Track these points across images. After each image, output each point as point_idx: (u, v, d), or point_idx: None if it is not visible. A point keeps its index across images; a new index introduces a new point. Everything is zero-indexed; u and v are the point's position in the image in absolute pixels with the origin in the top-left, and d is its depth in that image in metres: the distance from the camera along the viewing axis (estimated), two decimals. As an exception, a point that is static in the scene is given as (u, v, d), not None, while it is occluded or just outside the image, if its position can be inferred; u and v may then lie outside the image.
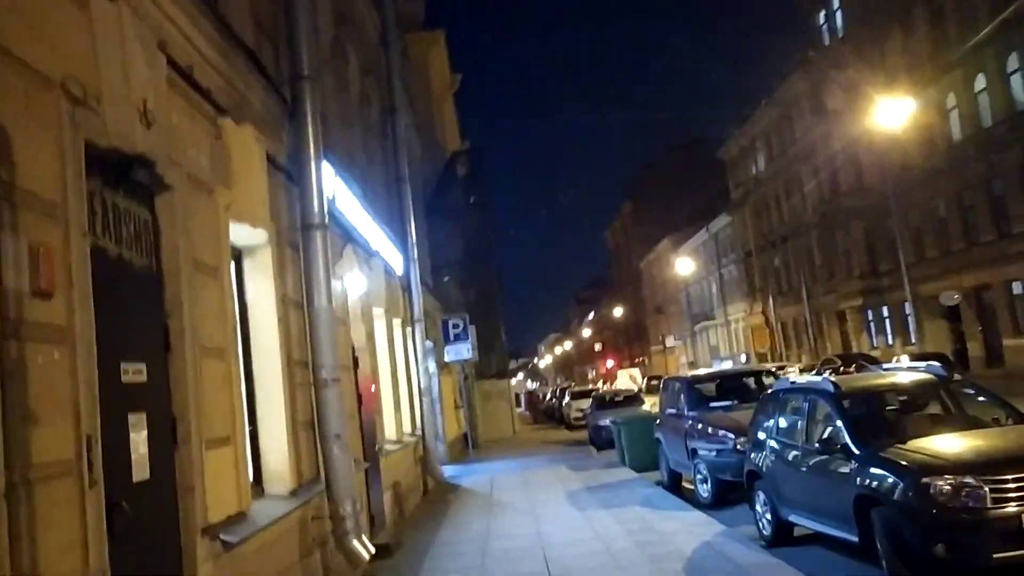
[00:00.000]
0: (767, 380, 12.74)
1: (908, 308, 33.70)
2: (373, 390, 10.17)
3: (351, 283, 8.73)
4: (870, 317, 37.80)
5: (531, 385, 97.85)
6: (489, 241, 32.93)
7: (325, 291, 6.58)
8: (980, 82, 28.05)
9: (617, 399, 25.27)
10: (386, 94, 14.29)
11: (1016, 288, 27.84)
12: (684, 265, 60.93)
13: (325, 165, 7.01)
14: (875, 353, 32.96)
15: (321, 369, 6.53)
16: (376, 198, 11.69)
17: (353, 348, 8.92)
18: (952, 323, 31.58)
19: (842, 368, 23.83)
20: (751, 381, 13.20)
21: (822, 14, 38.63)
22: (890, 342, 35.77)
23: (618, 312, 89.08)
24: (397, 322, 13.53)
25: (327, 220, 6.76)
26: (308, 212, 6.55)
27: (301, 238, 6.56)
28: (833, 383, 7.57)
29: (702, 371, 24.09)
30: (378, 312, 11.39)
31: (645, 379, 40.40)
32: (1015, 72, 26.17)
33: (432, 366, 14.99)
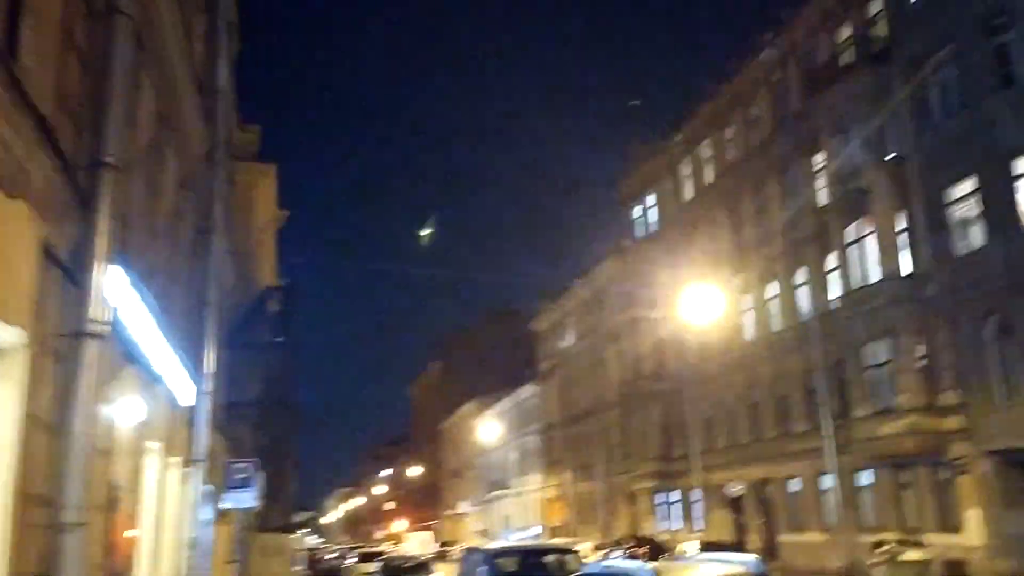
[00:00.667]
0: (568, 558, 12.19)
1: (696, 495, 34.78)
2: (130, 537, 8.71)
3: (124, 409, 7.55)
4: (660, 500, 38.61)
5: (314, 541, 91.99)
6: (291, 384, 31.31)
7: (87, 414, 5.49)
8: (772, 289, 30.48)
9: (407, 566, 23.89)
10: (204, 214, 13.38)
11: (793, 485, 29.32)
12: (487, 431, 60.70)
13: (116, 269, 6.07)
14: (663, 537, 33.45)
15: (65, 509, 5.34)
16: (174, 319, 10.54)
17: (113, 486, 7.60)
18: (735, 513, 32.67)
19: (637, 550, 23.76)
20: (553, 559, 12.60)
21: (638, 208, 41.37)
22: (678, 526, 36.46)
23: (415, 472, 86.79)
24: (175, 460, 12.02)
25: (107, 331, 5.76)
26: (84, 318, 5.54)
27: (70, 347, 5.51)
28: (653, 571, 7.14)
29: (502, 543, 23.28)
30: (153, 446, 10.01)
31: (437, 544, 38.74)
32: (801, 285, 28.66)
33: (208, 514, 13.35)
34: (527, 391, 59.17)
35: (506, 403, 62.55)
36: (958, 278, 21.22)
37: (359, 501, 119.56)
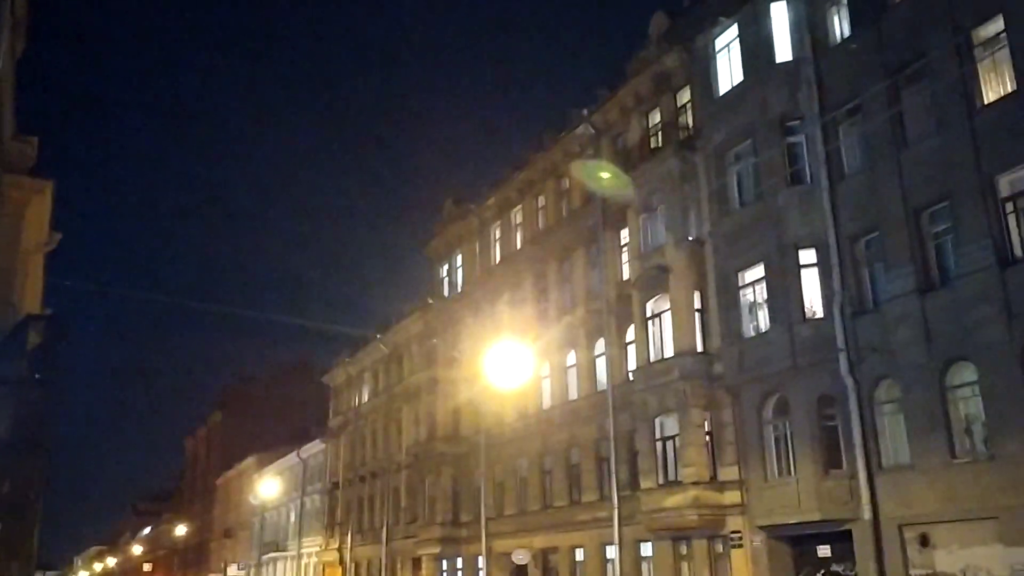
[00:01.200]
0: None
1: (481, 562, 34.20)
2: None
3: None
4: (445, 567, 37.66)
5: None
6: (47, 426, 27.85)
7: None
8: (572, 358, 30.92)
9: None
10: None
11: (579, 554, 29.42)
12: (266, 487, 57.39)
13: None
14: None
15: None
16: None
17: None
18: (520, 582, 32.32)
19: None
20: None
21: (445, 267, 41.18)
22: (460, 596, 35.60)
23: (181, 530, 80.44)
24: None
25: None
26: None
27: None
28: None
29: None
30: None
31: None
32: (600, 355, 29.27)
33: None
34: (313, 447, 56.70)
35: (290, 459, 59.57)
36: (744, 358, 22.33)
37: (112, 561, 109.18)
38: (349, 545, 48.37)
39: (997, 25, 17.50)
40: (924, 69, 18.89)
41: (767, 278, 21.94)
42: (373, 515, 45.54)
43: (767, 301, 21.98)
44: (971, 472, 17.13)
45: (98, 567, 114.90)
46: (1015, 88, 17.09)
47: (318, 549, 52.97)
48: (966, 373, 17.60)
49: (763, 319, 22.25)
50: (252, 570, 64.66)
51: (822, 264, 20.82)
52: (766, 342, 21.65)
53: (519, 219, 36.09)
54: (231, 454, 73.17)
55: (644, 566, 26.26)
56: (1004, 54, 17.43)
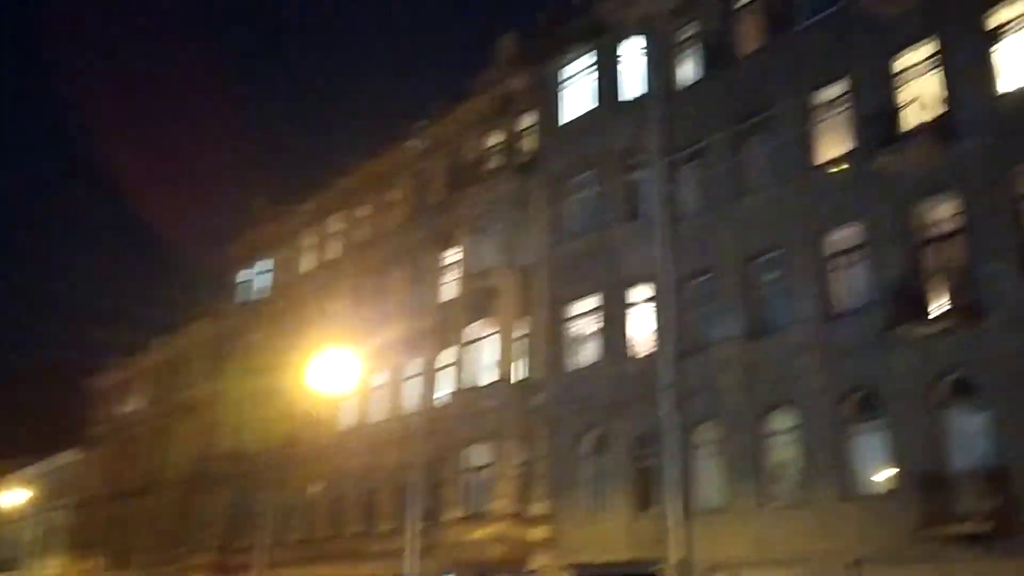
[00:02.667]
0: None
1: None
2: None
3: None
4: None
5: None
6: None
7: None
8: (380, 378, 29.33)
9: None
10: None
11: (371, 586, 27.64)
12: (10, 497, 50.67)
13: None
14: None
15: None
16: None
17: None
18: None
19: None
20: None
21: (246, 272, 38.34)
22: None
23: None
24: None
25: None
26: None
27: None
28: None
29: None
30: None
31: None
32: (412, 377, 27.92)
33: None
34: (65, 458, 50.71)
35: (33, 470, 52.91)
36: (567, 390, 21.90)
37: None
38: (97, 568, 43.31)
39: (838, 89, 18.31)
40: (767, 122, 19.50)
41: (599, 311, 21.68)
42: (133, 536, 41.00)
43: (597, 334, 21.70)
44: (783, 517, 17.41)
45: None
46: (848, 151, 17.87)
47: (59, 571, 47.16)
48: (785, 419, 17.98)
49: (590, 352, 21.95)
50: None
51: (653, 301, 20.82)
52: (592, 375, 21.32)
53: (338, 227, 34.22)
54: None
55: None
56: (842, 117, 18.25)
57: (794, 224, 18.33)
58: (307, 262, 35.58)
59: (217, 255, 40.52)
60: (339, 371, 16.36)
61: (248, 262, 38.56)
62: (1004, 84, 15.66)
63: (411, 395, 27.79)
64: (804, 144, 18.54)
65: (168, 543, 37.43)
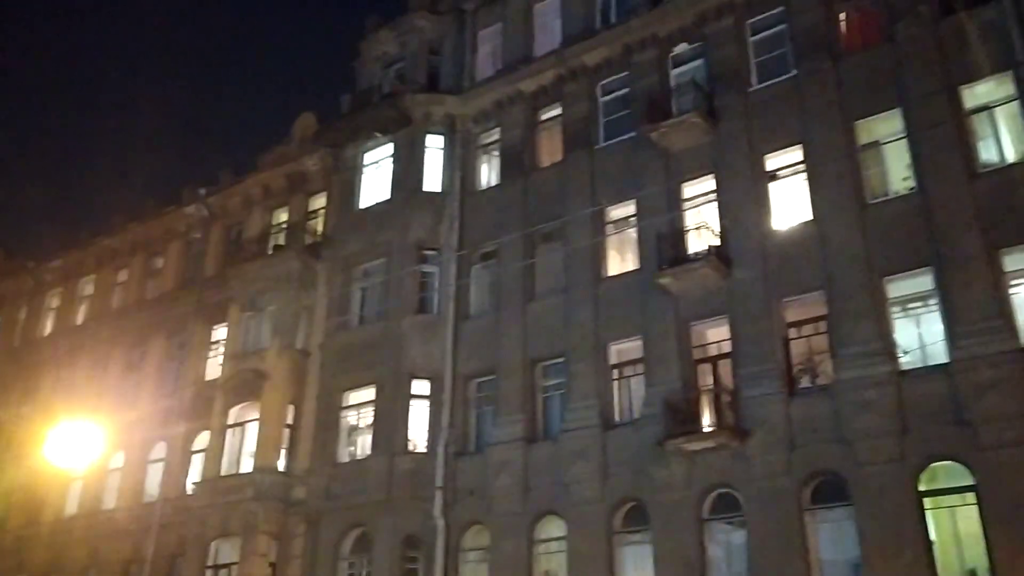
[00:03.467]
0: None
1: None
2: None
3: None
4: None
5: None
6: None
7: None
8: (118, 460, 26.23)
9: None
10: None
11: None
12: None
13: None
14: None
15: None
16: None
17: None
18: None
19: None
20: None
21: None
22: None
23: None
24: None
25: None
26: None
27: None
28: None
29: None
30: None
31: None
32: (158, 461, 25.27)
33: None
34: None
35: None
36: (333, 484, 20.57)
37: None
38: None
39: (630, 208, 19.27)
40: (560, 232, 20.07)
41: (375, 403, 20.80)
42: None
43: (371, 426, 20.72)
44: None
45: None
46: (636, 267, 18.70)
47: None
48: (555, 527, 17.84)
49: (362, 445, 20.90)
50: None
51: (434, 397, 20.32)
52: (362, 470, 20.20)
53: (89, 291, 31.04)
54: None
55: None
56: (632, 234, 19.15)
57: (580, 332, 18.72)
58: (47, 325, 31.88)
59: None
60: (79, 444, 14.35)
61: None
62: (777, 221, 17.12)
63: (155, 480, 25.18)
64: (595, 256, 19.18)
65: None
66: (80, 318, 30.74)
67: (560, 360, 19.02)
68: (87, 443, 15.10)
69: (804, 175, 17.08)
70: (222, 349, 25.17)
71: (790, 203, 17.22)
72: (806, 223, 16.72)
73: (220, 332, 25.70)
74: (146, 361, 27.55)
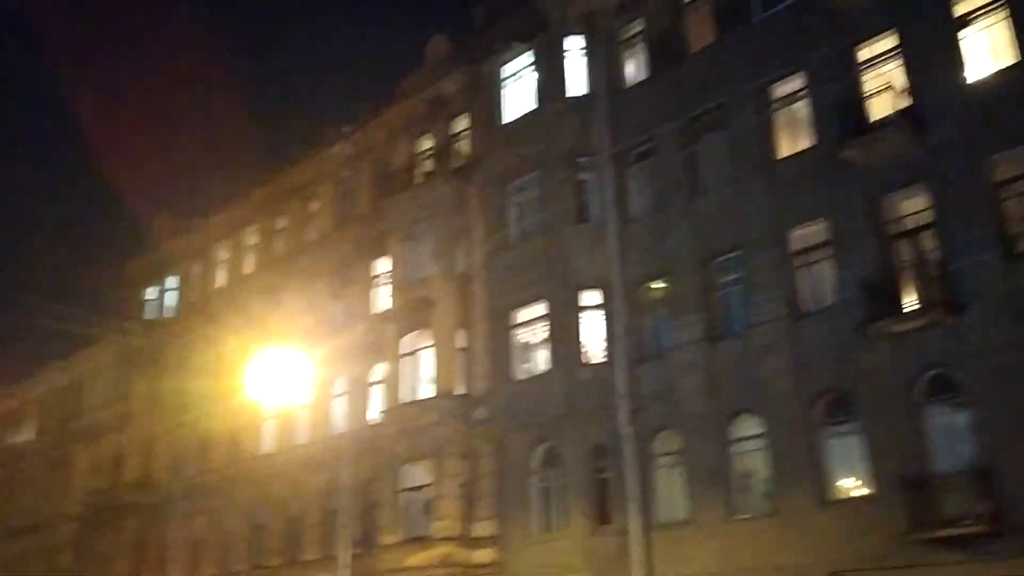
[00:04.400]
0: None
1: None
2: None
3: None
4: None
5: None
6: None
7: None
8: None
9: None
10: None
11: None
12: None
13: None
14: None
15: None
16: None
17: None
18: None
19: None
20: None
21: (153, 290, 35.80)
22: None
23: None
24: None
25: None
26: None
27: None
28: None
29: None
30: None
31: None
32: (340, 395, 26.12)
33: None
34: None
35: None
36: (514, 402, 20.61)
37: None
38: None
39: (799, 81, 17.78)
40: (721, 119, 18.84)
41: (546, 318, 20.52)
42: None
43: (544, 342, 20.50)
44: (751, 529, 16.52)
45: None
46: (812, 144, 17.32)
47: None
48: (751, 426, 17.15)
49: (537, 361, 20.74)
50: None
51: (606, 306, 19.80)
52: (541, 385, 20.09)
53: (254, 241, 32.14)
54: None
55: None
56: (803, 111, 17.71)
57: (755, 222, 17.62)
58: (220, 277, 33.34)
59: (115, 273, 37.86)
60: (280, 381, 14.80)
61: (153, 280, 36.04)
62: (972, 72, 15.32)
63: (339, 414, 26.06)
64: (763, 138, 17.91)
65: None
66: (248, 267, 31.94)
67: (736, 254, 18.00)
68: (289, 379, 15.65)
69: (1006, 12, 15.07)
70: (386, 282, 25.56)
71: (987, 50, 15.32)
72: (1010, 67, 14.83)
73: (382, 265, 26.03)
74: (315, 302, 28.30)
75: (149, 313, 35.62)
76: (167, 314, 34.81)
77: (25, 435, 42.39)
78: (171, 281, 35.25)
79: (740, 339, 17.48)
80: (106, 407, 35.53)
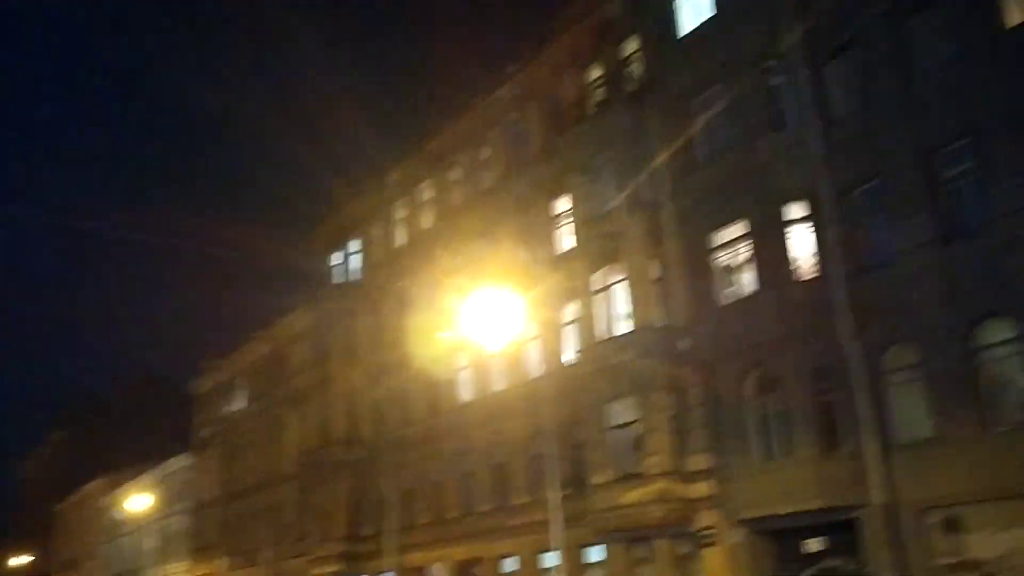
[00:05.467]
0: None
1: (390, 579, 30.19)
2: None
3: None
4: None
5: None
6: None
7: None
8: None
9: None
10: None
11: (508, 565, 25.96)
12: (119, 511, 50.83)
13: None
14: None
15: None
16: None
17: None
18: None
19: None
20: None
21: (339, 255, 36.93)
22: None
23: (20, 561, 71.40)
24: None
25: None
26: None
27: None
28: None
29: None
30: None
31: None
32: (534, 339, 25.91)
33: None
34: (177, 463, 50.65)
35: (147, 478, 53.03)
36: (720, 329, 19.60)
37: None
38: (223, 570, 42.90)
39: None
40: (934, -4, 16.76)
41: (747, 237, 19.30)
42: (254, 534, 40.31)
43: (747, 263, 19.32)
44: (1010, 443, 14.87)
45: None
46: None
47: (184, 575, 47.06)
48: (1000, 330, 15.40)
49: (743, 284, 19.58)
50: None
51: (814, 217, 18.33)
52: (749, 309, 18.97)
53: (429, 196, 32.41)
54: (75, 477, 65.42)
55: (589, 574, 23.10)
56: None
57: (989, 103, 15.62)
58: (400, 236, 33.91)
59: (303, 243, 39.31)
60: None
61: (336, 245, 37.18)
62: None
63: (534, 358, 25.90)
64: (990, 7, 15.77)
65: (292, 537, 36.56)
66: (427, 223, 32.24)
67: (965, 141, 16.07)
68: (502, 319, 15.41)
69: None
70: (567, 220, 25.00)
71: None
72: None
73: (562, 204, 25.49)
74: (497, 248, 28.14)
75: (337, 278, 36.84)
76: (352, 277, 35.85)
77: (238, 404, 45.37)
78: (353, 245, 36.23)
79: (978, 236, 15.65)
80: (307, 371, 37.25)
